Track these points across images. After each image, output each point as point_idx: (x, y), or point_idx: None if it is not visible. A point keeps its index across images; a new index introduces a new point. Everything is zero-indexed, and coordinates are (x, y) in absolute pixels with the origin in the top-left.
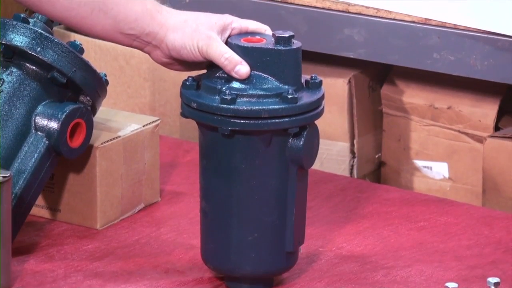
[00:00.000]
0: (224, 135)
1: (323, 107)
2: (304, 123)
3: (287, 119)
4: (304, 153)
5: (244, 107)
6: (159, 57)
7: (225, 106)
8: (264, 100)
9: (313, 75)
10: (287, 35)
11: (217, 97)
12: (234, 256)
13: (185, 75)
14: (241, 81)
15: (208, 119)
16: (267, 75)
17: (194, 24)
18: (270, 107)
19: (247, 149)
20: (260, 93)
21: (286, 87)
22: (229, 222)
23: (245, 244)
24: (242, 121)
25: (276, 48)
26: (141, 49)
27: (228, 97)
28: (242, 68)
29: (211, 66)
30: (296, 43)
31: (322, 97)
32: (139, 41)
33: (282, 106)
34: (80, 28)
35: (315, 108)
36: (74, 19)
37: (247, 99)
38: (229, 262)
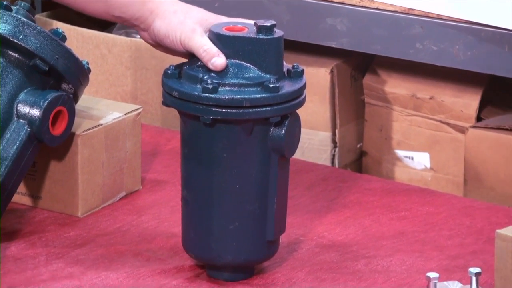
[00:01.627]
0: (205, 124)
1: (305, 96)
2: (285, 112)
3: (268, 108)
4: (286, 142)
5: (225, 96)
6: (145, 38)
7: (206, 95)
8: (246, 89)
9: (295, 64)
10: (269, 24)
11: (198, 86)
12: (215, 244)
13: (167, 64)
14: (223, 70)
15: (189, 108)
16: (248, 64)
17: (182, 16)
18: (252, 96)
19: (228, 138)
20: (241, 82)
21: (268, 76)
22: (210, 211)
23: (226, 232)
24: (223, 110)
25: (257, 37)
26: (132, 27)
27: (210, 86)
28: (218, 60)
29: (193, 55)
30: (278, 32)
31: (304, 86)
32: (129, 22)
33: (263, 95)
34: (73, 7)
35: (297, 97)
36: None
37: (228, 88)
38: (210, 251)
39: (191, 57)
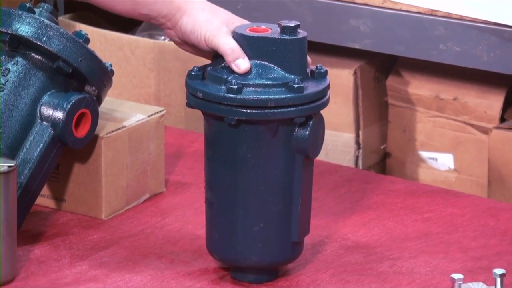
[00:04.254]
0: (230, 124)
1: (329, 97)
2: (310, 112)
3: (293, 109)
4: (310, 142)
5: (250, 96)
6: (172, 36)
7: (231, 95)
8: (270, 90)
9: (318, 65)
10: (292, 25)
11: (223, 86)
12: (240, 246)
13: (190, 65)
14: (245, 73)
15: (214, 109)
16: (272, 65)
17: (210, 15)
18: (277, 96)
19: (253, 139)
20: (266, 82)
21: (292, 76)
22: (235, 212)
23: (251, 234)
24: (248, 111)
25: (281, 37)
26: (158, 26)
27: (235, 87)
28: (243, 63)
29: (216, 56)
30: (301, 33)
31: (328, 87)
32: (155, 20)
33: (288, 95)
34: (102, 6)
35: (321, 97)
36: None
37: (253, 89)
38: (235, 253)
39: (214, 58)
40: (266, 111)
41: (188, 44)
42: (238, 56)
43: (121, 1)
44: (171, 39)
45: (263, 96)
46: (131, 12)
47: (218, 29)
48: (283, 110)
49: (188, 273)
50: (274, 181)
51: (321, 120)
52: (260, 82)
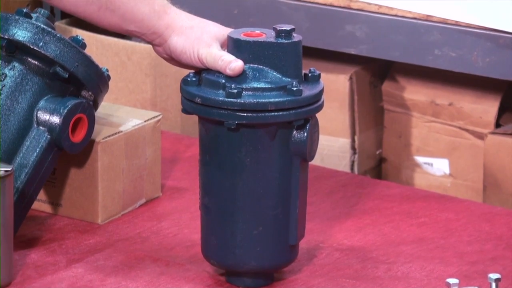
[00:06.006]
0: (229, 129)
1: (324, 99)
2: (308, 115)
3: (293, 111)
4: (308, 145)
5: (250, 100)
6: (160, 53)
7: (231, 100)
8: (269, 93)
9: (311, 69)
10: (288, 28)
11: (221, 91)
12: (239, 250)
13: (186, 71)
14: (244, 75)
15: (213, 114)
16: (269, 69)
17: (199, 32)
18: (276, 99)
19: (252, 143)
20: (264, 86)
21: (289, 79)
22: (234, 217)
23: (250, 238)
24: (248, 115)
25: (278, 41)
26: (146, 42)
27: (234, 91)
28: (234, 64)
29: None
30: (296, 36)
31: (323, 89)
32: (143, 37)
33: (288, 98)
34: (88, 20)
35: (318, 100)
36: (82, 14)
37: (251, 93)
38: (233, 257)
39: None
40: (266, 114)
41: (176, 61)
42: (229, 61)
43: (108, 17)
44: (158, 55)
45: (263, 100)
46: (118, 29)
47: (209, 45)
48: (283, 113)
49: (183, 278)
50: (273, 184)
51: (316, 122)
52: (258, 85)
